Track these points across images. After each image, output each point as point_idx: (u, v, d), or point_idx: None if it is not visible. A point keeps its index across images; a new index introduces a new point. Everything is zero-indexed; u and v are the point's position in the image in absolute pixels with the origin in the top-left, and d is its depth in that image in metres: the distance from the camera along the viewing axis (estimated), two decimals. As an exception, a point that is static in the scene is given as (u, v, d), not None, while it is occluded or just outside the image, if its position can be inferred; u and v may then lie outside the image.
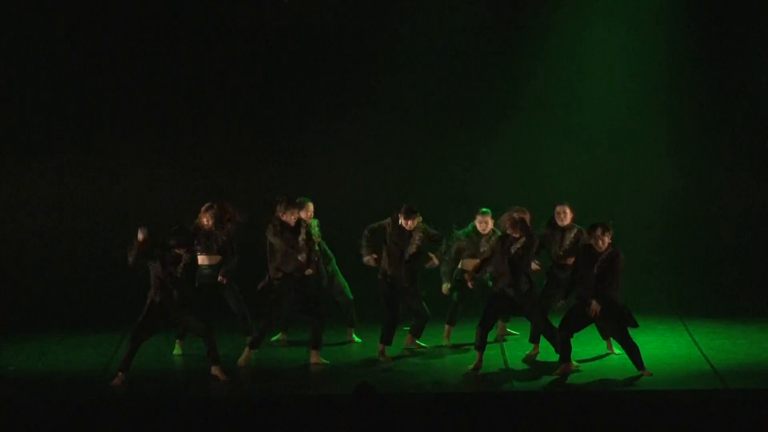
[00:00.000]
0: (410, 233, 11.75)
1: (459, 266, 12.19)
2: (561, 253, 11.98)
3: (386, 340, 11.98)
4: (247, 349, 11.63)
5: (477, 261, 11.88)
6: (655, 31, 15.32)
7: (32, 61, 15.19)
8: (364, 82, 15.30)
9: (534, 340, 11.89)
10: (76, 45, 15.13)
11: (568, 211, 11.84)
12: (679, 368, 11.59)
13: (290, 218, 11.51)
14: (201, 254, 11.77)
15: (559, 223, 11.83)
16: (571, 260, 11.80)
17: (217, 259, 11.88)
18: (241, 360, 11.58)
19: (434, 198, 14.76)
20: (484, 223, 11.99)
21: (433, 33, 15.26)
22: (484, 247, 11.95)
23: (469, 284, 11.89)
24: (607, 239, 10.99)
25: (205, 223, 11.85)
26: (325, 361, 11.76)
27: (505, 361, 12.04)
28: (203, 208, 12.02)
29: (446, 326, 12.49)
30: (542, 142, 15.30)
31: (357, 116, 15.28)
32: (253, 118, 15.50)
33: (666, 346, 12.33)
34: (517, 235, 11.29)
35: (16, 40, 15.18)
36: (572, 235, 11.87)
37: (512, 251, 11.29)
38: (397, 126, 15.39)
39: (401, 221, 11.66)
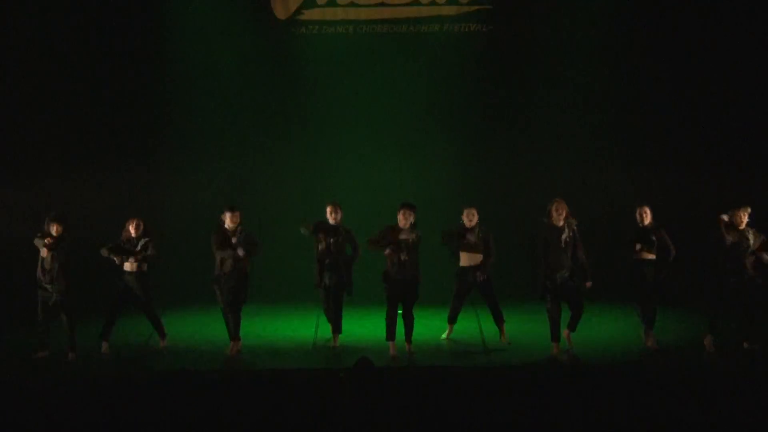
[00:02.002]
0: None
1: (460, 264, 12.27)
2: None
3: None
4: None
5: (470, 254, 12.09)
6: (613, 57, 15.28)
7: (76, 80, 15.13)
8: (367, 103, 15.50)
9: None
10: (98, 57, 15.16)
11: (647, 211, 11.89)
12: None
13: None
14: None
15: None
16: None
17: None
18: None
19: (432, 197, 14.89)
20: (471, 215, 12.12)
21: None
22: (471, 239, 12.13)
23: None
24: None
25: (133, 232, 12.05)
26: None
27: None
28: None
29: (448, 325, 12.63)
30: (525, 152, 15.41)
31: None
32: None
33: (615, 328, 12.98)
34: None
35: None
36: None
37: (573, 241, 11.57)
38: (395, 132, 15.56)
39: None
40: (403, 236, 11.63)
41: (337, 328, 12.29)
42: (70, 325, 11.82)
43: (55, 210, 12.14)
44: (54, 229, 11.74)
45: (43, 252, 11.72)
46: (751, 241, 11.52)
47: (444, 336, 12.61)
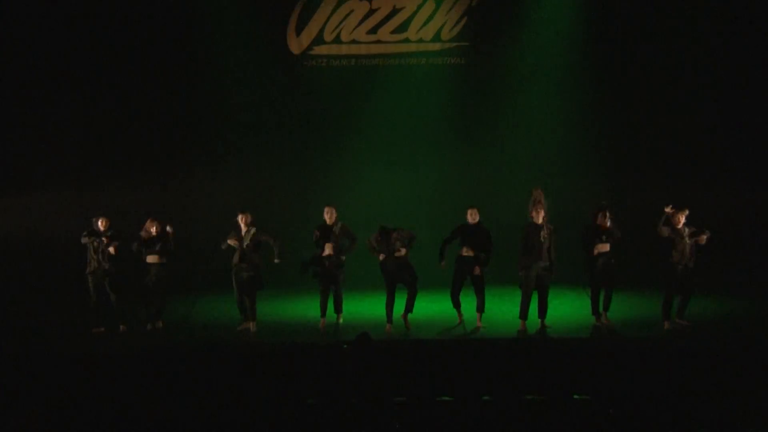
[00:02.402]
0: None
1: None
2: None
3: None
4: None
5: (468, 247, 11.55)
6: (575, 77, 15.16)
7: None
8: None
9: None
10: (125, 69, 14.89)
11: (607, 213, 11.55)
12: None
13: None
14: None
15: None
16: None
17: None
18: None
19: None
20: (474, 214, 11.65)
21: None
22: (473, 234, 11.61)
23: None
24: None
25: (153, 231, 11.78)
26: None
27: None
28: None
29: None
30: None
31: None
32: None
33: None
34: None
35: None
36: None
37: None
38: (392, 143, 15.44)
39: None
40: (394, 236, 11.52)
41: (338, 309, 11.94)
42: (119, 303, 11.78)
43: (102, 210, 12.10)
44: (102, 224, 11.69)
45: (111, 249, 11.66)
46: (686, 234, 11.34)
47: (458, 322, 11.90)
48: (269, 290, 12.19)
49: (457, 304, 11.85)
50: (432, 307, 12.74)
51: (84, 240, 11.71)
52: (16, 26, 14.90)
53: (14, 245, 14.58)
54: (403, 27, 15.47)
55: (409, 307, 11.71)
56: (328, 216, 11.85)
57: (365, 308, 12.88)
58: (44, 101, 15.05)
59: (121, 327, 11.81)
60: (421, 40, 15.49)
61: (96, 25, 14.85)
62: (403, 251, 11.51)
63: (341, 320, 11.97)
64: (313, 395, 8.83)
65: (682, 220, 11.41)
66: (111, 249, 11.67)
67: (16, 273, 14.29)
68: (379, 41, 15.49)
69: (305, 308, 12.90)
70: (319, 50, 15.56)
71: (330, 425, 8.19)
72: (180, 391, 9.39)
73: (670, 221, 11.43)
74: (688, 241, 11.36)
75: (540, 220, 11.37)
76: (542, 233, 11.34)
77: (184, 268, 12.68)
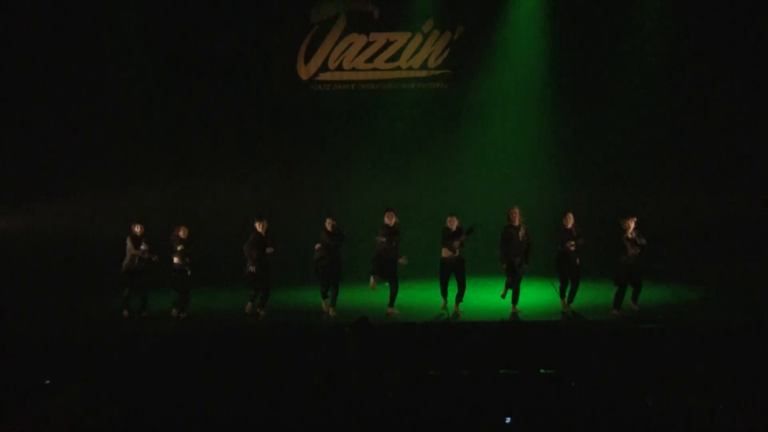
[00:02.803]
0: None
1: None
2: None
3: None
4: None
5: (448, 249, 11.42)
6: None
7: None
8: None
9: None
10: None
11: (570, 216, 11.51)
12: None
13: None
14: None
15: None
16: None
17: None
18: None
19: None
20: (453, 221, 11.58)
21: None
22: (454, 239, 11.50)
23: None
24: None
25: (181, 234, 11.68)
26: None
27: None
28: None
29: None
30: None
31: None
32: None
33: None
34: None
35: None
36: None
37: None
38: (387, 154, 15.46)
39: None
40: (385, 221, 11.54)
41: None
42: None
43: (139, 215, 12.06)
44: (138, 230, 11.69)
45: (155, 258, 11.62)
46: (636, 236, 11.41)
47: (441, 307, 11.82)
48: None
49: (444, 294, 11.79)
50: (420, 295, 12.78)
51: (140, 252, 11.61)
52: (64, 45, 14.64)
53: (59, 243, 14.46)
54: (395, 57, 15.54)
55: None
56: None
57: (363, 296, 12.65)
58: (87, 116, 14.91)
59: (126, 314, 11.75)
60: (410, 68, 15.57)
61: (132, 47, 14.83)
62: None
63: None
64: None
65: (632, 225, 11.45)
66: (155, 258, 11.67)
67: (60, 266, 14.09)
68: (375, 69, 15.56)
69: (312, 297, 12.70)
70: (324, 76, 15.61)
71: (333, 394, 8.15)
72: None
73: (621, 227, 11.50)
74: (636, 236, 11.44)
75: (517, 223, 11.46)
76: (520, 233, 11.44)
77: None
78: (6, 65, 14.61)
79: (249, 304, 11.78)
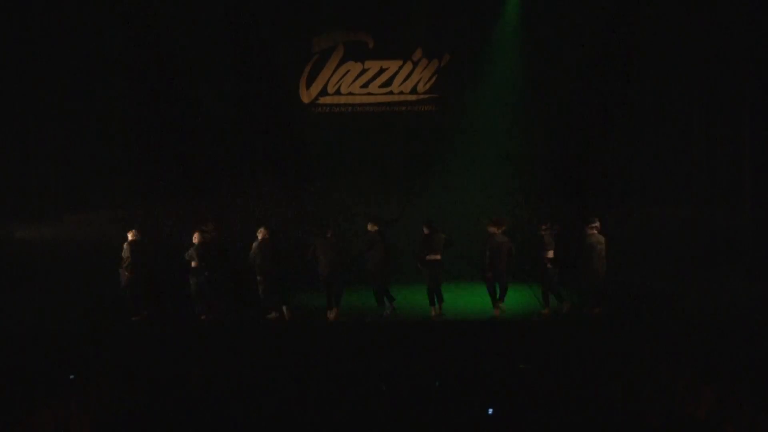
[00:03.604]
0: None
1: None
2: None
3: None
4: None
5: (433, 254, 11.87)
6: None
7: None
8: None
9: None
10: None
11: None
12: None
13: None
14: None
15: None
16: None
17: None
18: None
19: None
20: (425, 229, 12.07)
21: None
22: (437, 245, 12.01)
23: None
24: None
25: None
26: None
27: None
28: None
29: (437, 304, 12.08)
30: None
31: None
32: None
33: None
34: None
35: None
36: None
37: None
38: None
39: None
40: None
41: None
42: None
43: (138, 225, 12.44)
44: (131, 236, 12.10)
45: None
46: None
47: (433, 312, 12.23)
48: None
49: (440, 298, 12.31)
50: (413, 298, 13.20)
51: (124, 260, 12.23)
52: (96, 61, 14.82)
53: (89, 251, 14.55)
54: (388, 83, 15.70)
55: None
56: (330, 236, 12.40)
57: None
58: (117, 133, 15.10)
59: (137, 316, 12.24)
60: (401, 93, 15.72)
61: (138, 72, 14.84)
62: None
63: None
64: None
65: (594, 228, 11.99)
66: (128, 272, 12.15)
67: (87, 272, 14.16)
68: (369, 93, 15.73)
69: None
70: (324, 100, 15.74)
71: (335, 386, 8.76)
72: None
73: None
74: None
75: (498, 234, 11.98)
76: (502, 242, 11.91)
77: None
78: (39, 80, 14.97)
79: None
